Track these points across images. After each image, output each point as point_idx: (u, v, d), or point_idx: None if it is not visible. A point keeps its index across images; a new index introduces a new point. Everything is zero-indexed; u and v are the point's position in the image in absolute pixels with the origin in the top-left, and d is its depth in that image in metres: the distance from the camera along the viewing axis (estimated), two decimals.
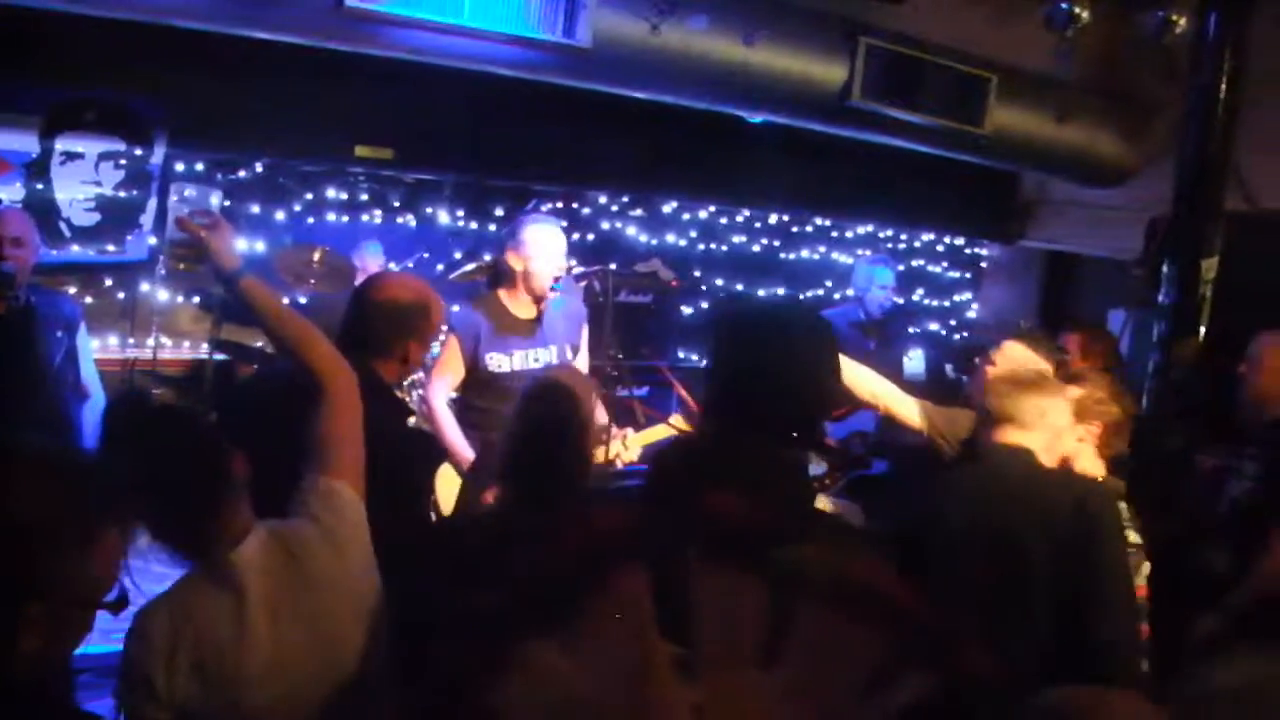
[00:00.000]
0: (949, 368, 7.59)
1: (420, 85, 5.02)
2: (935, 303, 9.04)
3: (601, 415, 4.42)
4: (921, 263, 8.82)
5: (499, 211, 6.91)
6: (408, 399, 5.31)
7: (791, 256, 8.46)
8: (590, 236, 7.51)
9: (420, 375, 5.50)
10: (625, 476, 4.33)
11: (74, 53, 4.51)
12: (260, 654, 2.00)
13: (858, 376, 3.60)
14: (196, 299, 6.60)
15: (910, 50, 5.34)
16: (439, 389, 4.20)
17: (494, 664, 1.09)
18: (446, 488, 3.94)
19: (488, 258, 6.37)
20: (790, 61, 5.01)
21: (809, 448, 1.84)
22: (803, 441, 1.84)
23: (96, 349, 4.85)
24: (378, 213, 6.74)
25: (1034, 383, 2.98)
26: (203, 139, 5.30)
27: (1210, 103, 4.59)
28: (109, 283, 6.23)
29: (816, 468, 5.27)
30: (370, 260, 6.51)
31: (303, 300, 6.27)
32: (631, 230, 7.69)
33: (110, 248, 5.55)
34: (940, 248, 8.89)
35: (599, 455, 4.28)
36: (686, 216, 7.84)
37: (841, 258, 8.47)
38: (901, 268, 7.18)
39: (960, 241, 8.82)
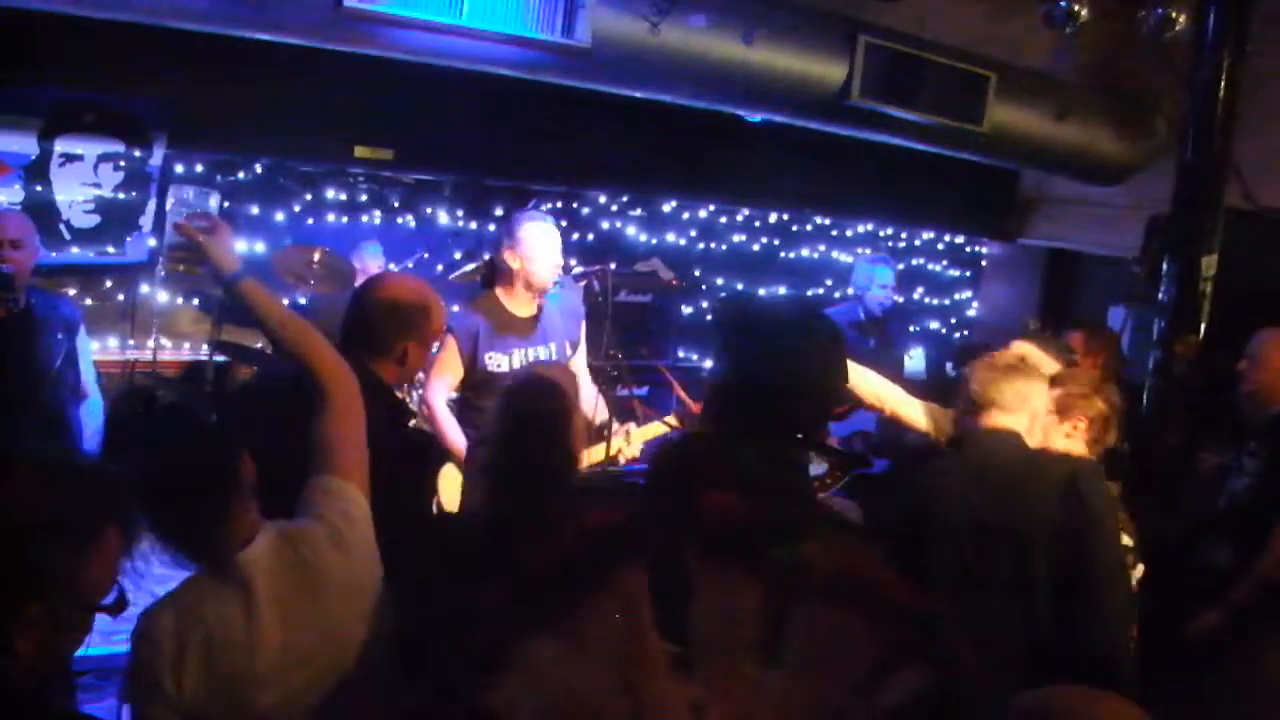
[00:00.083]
0: (949, 366, 7.60)
1: (420, 86, 5.02)
2: (935, 301, 9.04)
3: (603, 411, 4.44)
4: (921, 261, 8.82)
5: (499, 211, 6.91)
6: (407, 400, 5.30)
7: (791, 255, 8.46)
8: (590, 236, 7.51)
9: (420, 375, 5.50)
10: (626, 473, 4.33)
11: (73, 54, 4.51)
12: (268, 654, 2.00)
13: (862, 379, 3.61)
14: (196, 300, 6.61)
15: (909, 48, 5.34)
16: (438, 390, 4.19)
17: (492, 663, 1.09)
18: (450, 488, 3.95)
19: (487, 257, 6.37)
20: (789, 60, 5.01)
21: (813, 448, 1.84)
22: (807, 441, 1.84)
23: (96, 351, 4.85)
24: (377, 213, 6.75)
25: (1014, 367, 3.03)
26: (202, 140, 5.30)
27: (1210, 100, 4.59)
28: (109, 284, 6.24)
29: (818, 467, 5.26)
30: (370, 261, 6.50)
31: (302, 301, 6.27)
32: (631, 230, 7.69)
33: (110, 249, 5.55)
34: (940, 246, 8.89)
35: (602, 451, 4.29)
36: (686, 216, 7.84)
37: (841, 256, 8.47)
38: (901, 266, 7.17)
39: (960, 240, 8.82)
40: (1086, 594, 2.80)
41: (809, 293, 8.53)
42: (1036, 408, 3.06)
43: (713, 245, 8.11)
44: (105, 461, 1.99)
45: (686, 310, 8.11)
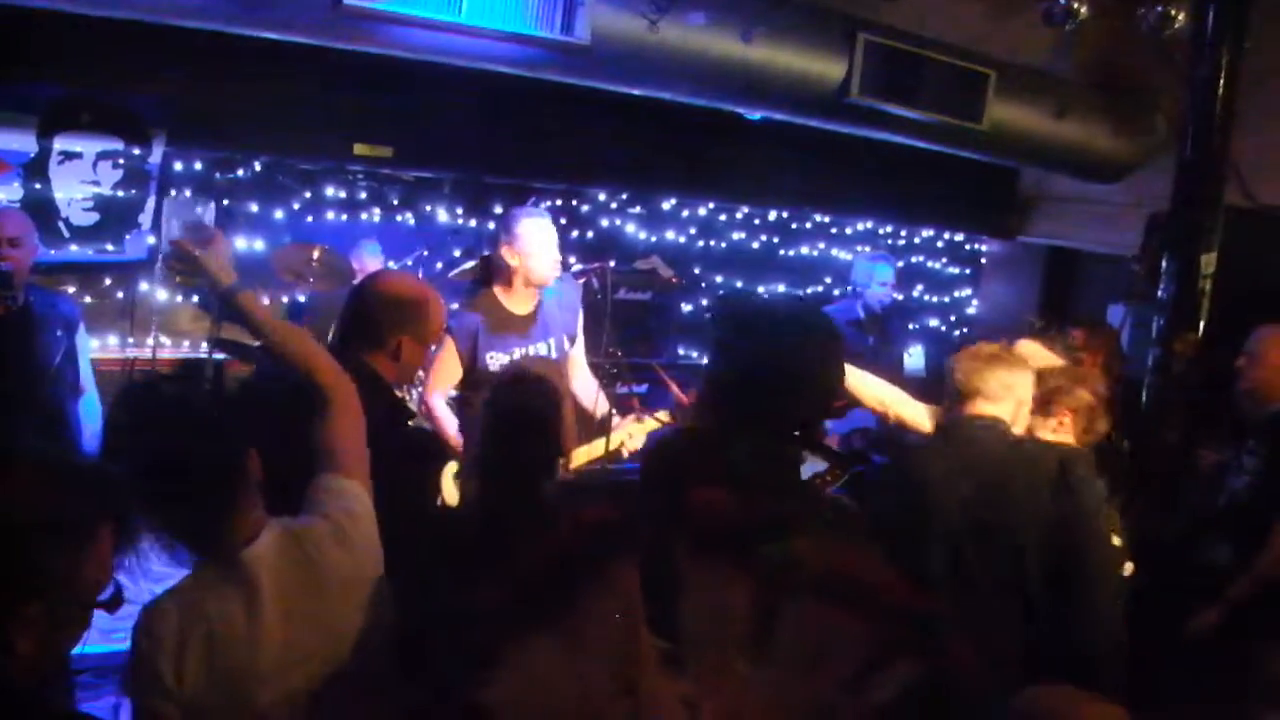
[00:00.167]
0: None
1: (419, 83, 5.02)
2: (935, 299, 9.04)
3: (603, 405, 4.44)
4: (921, 259, 8.82)
5: (498, 209, 6.89)
6: (407, 399, 5.30)
7: (791, 253, 8.46)
8: (589, 234, 7.51)
9: (420, 374, 5.50)
10: (624, 469, 4.33)
11: (72, 52, 4.51)
12: (270, 651, 2.01)
13: (864, 384, 3.61)
14: (196, 298, 6.60)
15: (909, 46, 5.34)
16: (438, 392, 4.19)
17: (486, 660, 1.09)
18: (455, 487, 3.95)
19: (485, 255, 6.37)
20: (789, 58, 5.01)
21: (809, 446, 1.84)
22: (804, 439, 1.84)
23: (96, 349, 4.86)
24: (377, 211, 6.74)
25: (998, 357, 3.04)
26: (201, 138, 5.30)
27: (1209, 97, 4.59)
28: (108, 282, 6.23)
29: (818, 465, 5.26)
30: (369, 259, 6.50)
31: (302, 299, 6.27)
32: (630, 227, 7.68)
33: (109, 247, 5.55)
34: (940, 243, 8.89)
35: (603, 446, 4.29)
36: (685, 213, 7.83)
37: (841, 254, 8.47)
38: (901, 264, 7.17)
39: (960, 237, 8.81)
40: (1076, 586, 2.82)
41: (808, 290, 8.54)
42: (1022, 397, 3.07)
43: (712, 243, 8.10)
44: (110, 456, 2.00)
45: (686, 308, 8.10)
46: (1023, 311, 7.79)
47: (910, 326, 8.10)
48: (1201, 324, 4.54)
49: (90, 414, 4.11)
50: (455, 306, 4.39)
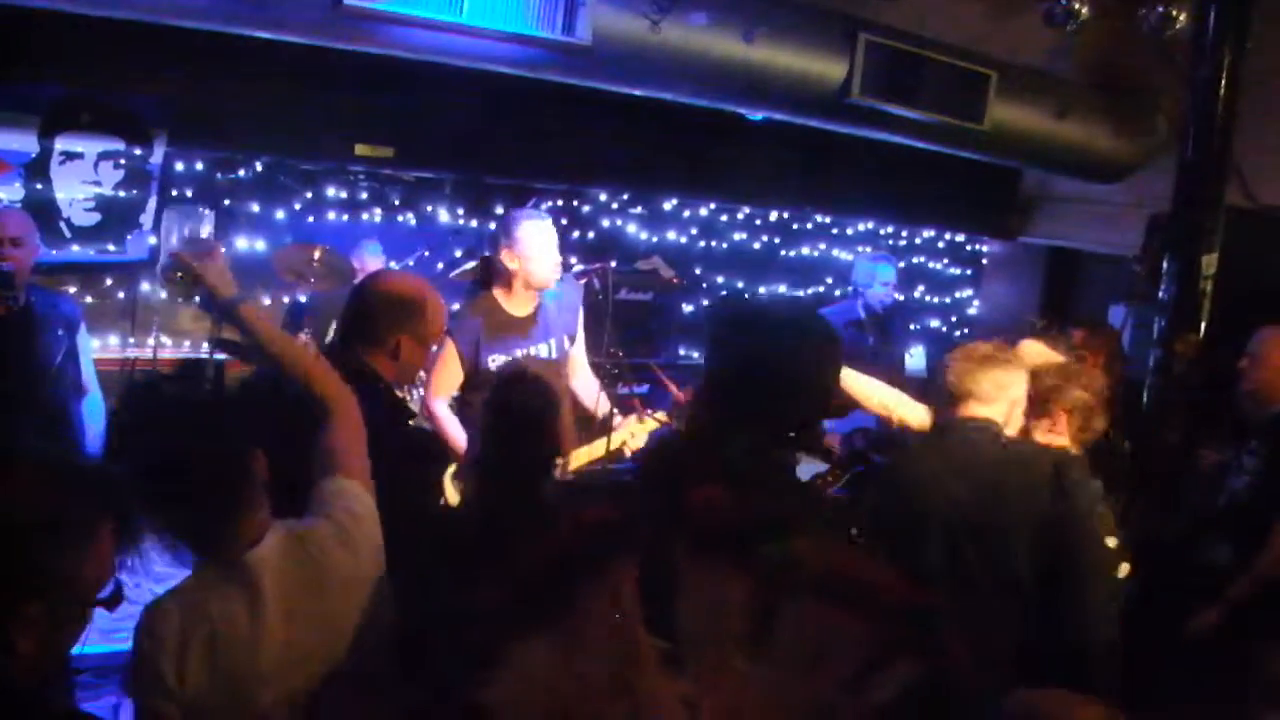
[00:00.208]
0: None
1: (420, 84, 5.02)
2: (936, 299, 9.04)
3: (605, 405, 4.44)
4: (922, 259, 8.82)
5: (499, 209, 6.89)
6: (407, 399, 5.30)
7: (792, 253, 8.46)
8: (590, 234, 7.51)
9: (421, 375, 5.50)
10: (625, 469, 4.33)
11: (73, 52, 4.51)
12: (272, 652, 2.01)
13: (866, 388, 3.63)
14: (197, 298, 6.59)
15: (910, 46, 5.34)
16: (439, 393, 4.18)
17: (485, 660, 1.09)
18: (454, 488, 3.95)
19: (484, 256, 6.37)
20: (790, 58, 5.01)
21: (806, 447, 1.85)
22: (800, 441, 1.84)
23: (97, 349, 4.85)
24: (378, 211, 6.74)
25: (990, 358, 3.04)
26: (202, 138, 5.30)
27: (1210, 98, 4.59)
28: (109, 282, 6.23)
29: (819, 466, 5.26)
30: (370, 259, 6.50)
31: (303, 299, 6.27)
32: (632, 228, 7.68)
33: (110, 247, 5.55)
34: (941, 244, 8.88)
35: (603, 447, 4.29)
36: (687, 214, 7.83)
37: (842, 254, 8.46)
38: (902, 264, 7.17)
39: (961, 238, 8.81)
40: (1069, 587, 2.82)
41: (809, 291, 8.54)
42: (1015, 397, 3.07)
43: (713, 243, 8.10)
44: (116, 456, 2.00)
45: (687, 308, 8.11)
46: (1024, 312, 7.79)
47: (911, 327, 8.10)
48: (1202, 325, 4.55)
49: (94, 414, 4.11)
50: (456, 307, 4.39)
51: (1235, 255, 4.64)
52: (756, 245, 8.25)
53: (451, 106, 5.39)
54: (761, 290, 8.37)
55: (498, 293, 4.23)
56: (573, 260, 6.42)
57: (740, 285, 8.27)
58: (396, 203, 6.72)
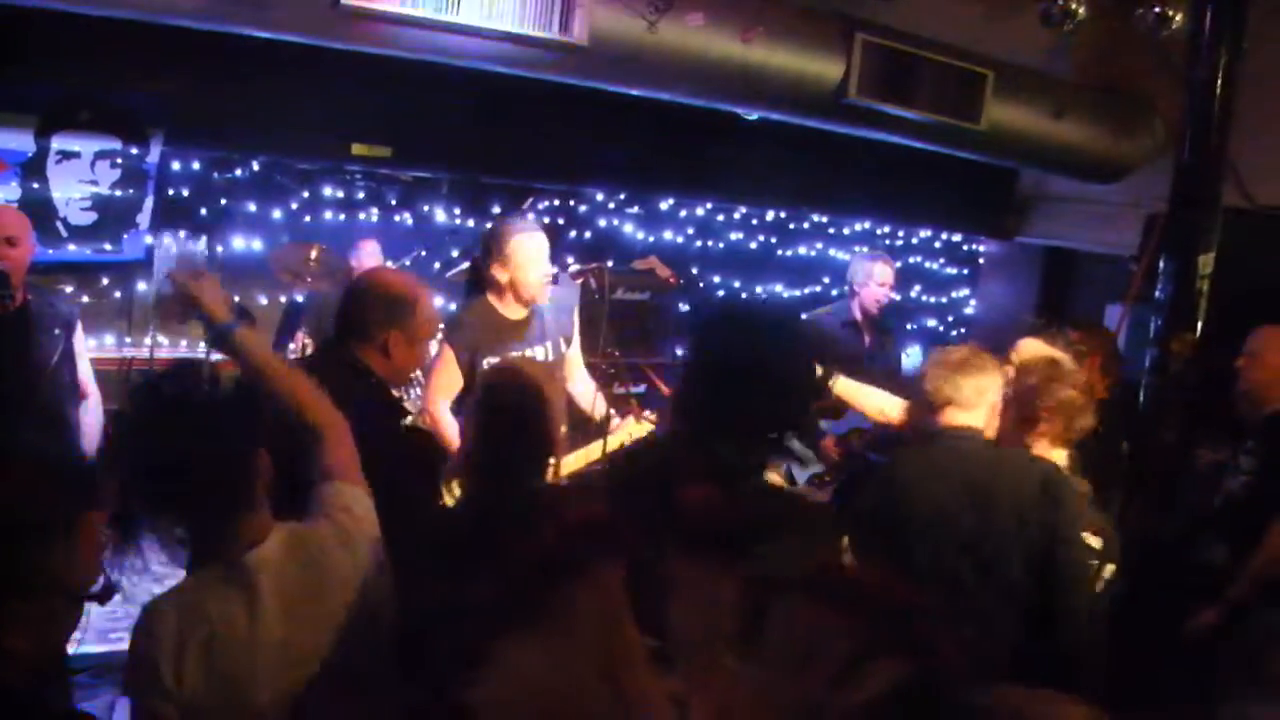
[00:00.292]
0: None
1: (417, 83, 5.01)
2: (933, 299, 9.05)
3: (601, 407, 4.44)
4: (919, 259, 8.82)
5: (496, 209, 6.90)
6: (405, 399, 5.30)
7: (788, 253, 8.46)
8: (587, 234, 7.51)
9: (419, 374, 5.50)
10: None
11: (70, 51, 4.50)
12: (270, 653, 2.01)
13: (862, 394, 3.64)
14: (194, 320, 6.57)
15: (907, 47, 5.34)
16: (439, 400, 4.17)
17: (472, 660, 1.09)
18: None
19: (471, 262, 6.37)
20: (787, 58, 5.01)
21: (780, 451, 1.85)
22: (777, 444, 1.84)
23: (93, 348, 4.85)
24: (375, 211, 6.74)
25: (968, 362, 3.04)
26: (199, 137, 5.29)
27: (1207, 98, 4.60)
28: (105, 282, 6.23)
29: (816, 466, 5.27)
30: (367, 258, 6.50)
31: (299, 298, 6.27)
32: (628, 227, 7.69)
33: (107, 247, 5.54)
34: (937, 244, 8.89)
35: (600, 449, 4.29)
36: (683, 213, 7.83)
37: (838, 254, 8.47)
38: (899, 264, 7.17)
39: (958, 238, 8.82)
40: (1054, 592, 2.83)
41: (806, 290, 8.54)
42: (993, 401, 3.08)
43: (710, 243, 8.11)
44: (119, 456, 2.00)
45: (684, 308, 8.11)
46: (1021, 312, 7.80)
47: (908, 327, 8.10)
48: (1199, 324, 4.55)
49: (91, 414, 4.10)
50: (452, 308, 4.39)
51: (1232, 255, 4.65)
52: (753, 245, 8.25)
53: (448, 106, 5.39)
54: (759, 290, 8.37)
55: (491, 298, 4.22)
56: (569, 260, 6.42)
57: (737, 285, 8.28)
58: (393, 202, 6.72)
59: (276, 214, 6.46)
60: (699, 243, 8.04)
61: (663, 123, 5.77)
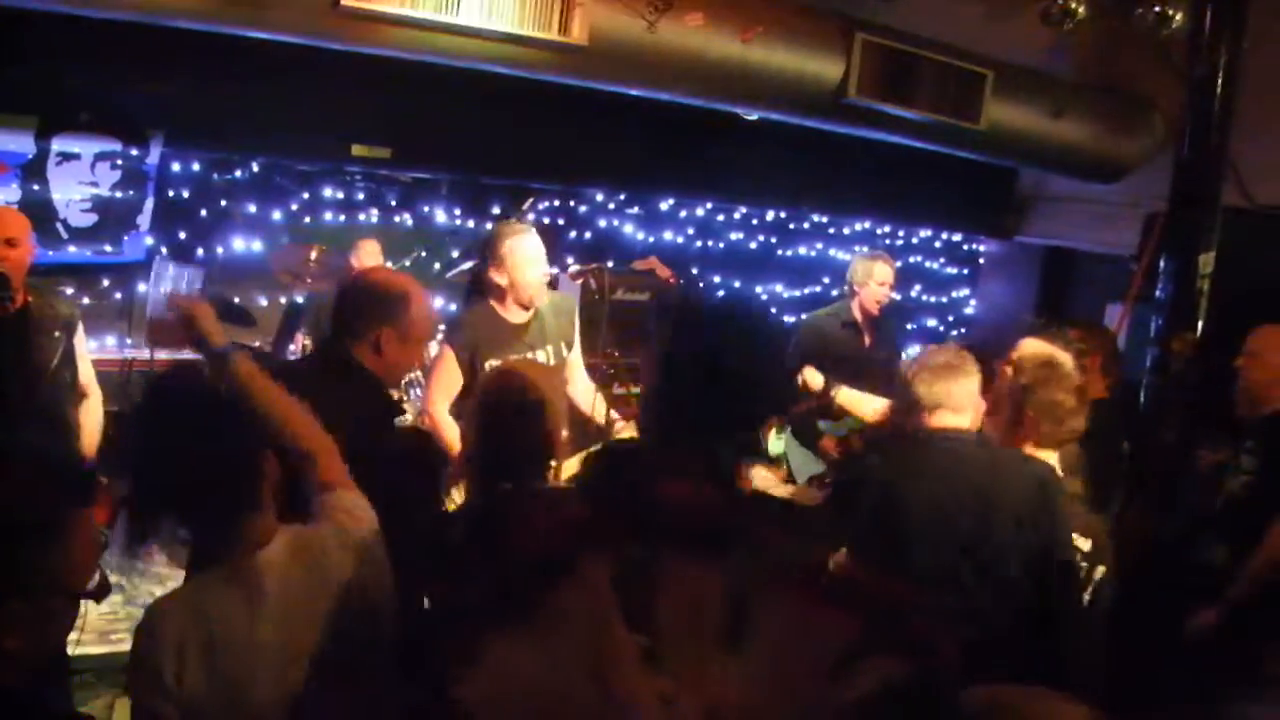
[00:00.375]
0: None
1: (417, 84, 5.02)
2: (933, 299, 9.05)
3: (601, 409, 4.44)
4: (919, 259, 8.83)
5: (496, 210, 6.91)
6: (404, 399, 5.31)
7: (788, 253, 8.46)
8: (587, 234, 7.51)
9: (417, 374, 5.50)
10: None
11: (70, 53, 4.50)
12: (271, 654, 2.02)
13: (861, 401, 3.63)
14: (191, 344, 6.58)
15: (906, 46, 5.35)
16: (439, 402, 4.17)
17: (463, 659, 1.09)
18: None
19: (470, 265, 6.37)
20: (786, 58, 5.01)
21: (747, 450, 1.84)
22: (743, 442, 1.84)
23: (94, 350, 4.84)
24: (375, 212, 6.74)
25: (953, 365, 3.05)
26: (199, 139, 5.30)
27: (1207, 97, 4.59)
28: (106, 283, 6.23)
29: (816, 466, 5.27)
30: (367, 259, 6.49)
31: (299, 299, 6.26)
32: (628, 228, 7.69)
33: (107, 248, 5.54)
34: (937, 244, 8.90)
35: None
36: (683, 214, 7.84)
37: (838, 254, 8.47)
38: (899, 264, 7.16)
39: (957, 237, 8.82)
40: (1052, 596, 2.85)
41: (806, 290, 8.54)
42: (979, 404, 3.09)
43: (710, 243, 8.11)
44: (128, 456, 2.01)
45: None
46: (1020, 311, 7.81)
47: (908, 327, 8.10)
48: (1199, 324, 4.55)
49: (92, 415, 4.10)
50: (453, 309, 4.39)
51: (1232, 255, 4.65)
52: (753, 245, 8.26)
53: (448, 107, 5.39)
54: (759, 290, 8.37)
55: (492, 302, 4.22)
56: (569, 260, 6.42)
57: (737, 285, 8.27)
58: (393, 203, 6.72)
59: (276, 215, 6.47)
60: (699, 243, 8.04)
61: (662, 123, 5.78)
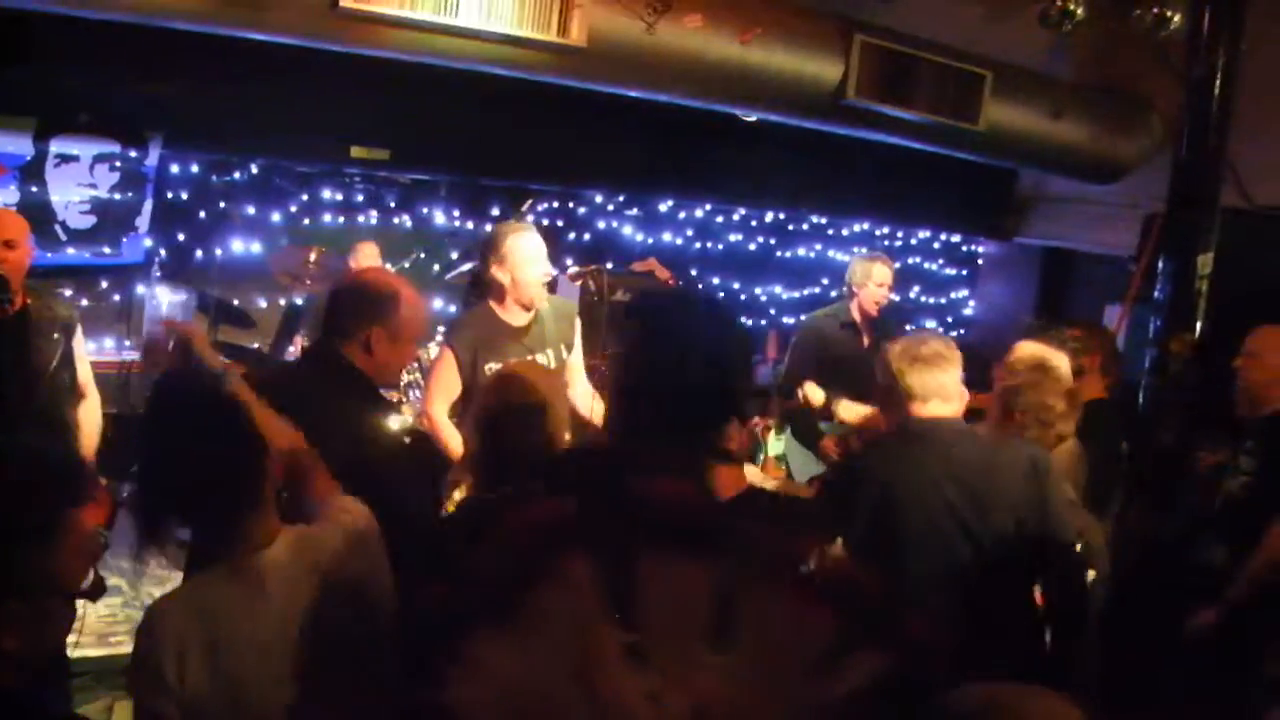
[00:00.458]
0: None
1: (416, 86, 5.02)
2: (932, 300, 9.05)
3: (600, 410, 4.43)
4: (918, 260, 8.83)
5: (495, 211, 6.91)
6: (404, 400, 5.30)
7: (787, 254, 8.47)
8: (586, 236, 7.52)
9: (414, 375, 5.50)
10: None
11: (68, 55, 4.50)
12: (274, 654, 2.02)
13: (858, 410, 3.63)
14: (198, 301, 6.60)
15: (905, 48, 5.35)
16: (438, 404, 4.17)
17: (446, 659, 1.09)
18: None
19: (470, 266, 6.36)
20: (785, 60, 5.01)
21: (714, 450, 1.82)
22: (709, 442, 1.82)
23: (92, 351, 4.84)
24: (374, 213, 6.74)
25: (940, 355, 3.05)
26: (197, 140, 5.30)
27: (1205, 98, 4.60)
28: (105, 285, 6.23)
29: (816, 466, 5.27)
30: (366, 261, 6.49)
31: (299, 301, 6.26)
32: (627, 229, 7.69)
33: (106, 250, 5.54)
34: (936, 245, 8.90)
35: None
36: (682, 215, 7.84)
37: (838, 255, 8.47)
38: (898, 265, 7.17)
39: (956, 238, 8.83)
40: (1050, 561, 2.87)
41: (805, 291, 8.54)
42: (965, 393, 3.10)
43: (709, 244, 8.11)
44: (137, 455, 2.02)
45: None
46: (1019, 313, 7.81)
47: (907, 328, 8.09)
48: (1198, 325, 4.55)
49: (91, 417, 4.10)
50: (452, 310, 4.39)
51: (1231, 255, 4.65)
52: (752, 246, 8.26)
53: (447, 109, 5.39)
54: (759, 291, 8.38)
55: (493, 304, 4.21)
56: (569, 262, 6.42)
57: (736, 286, 8.28)
58: (393, 205, 6.72)
59: (275, 217, 6.47)
60: (698, 244, 8.04)
61: (661, 124, 5.78)
